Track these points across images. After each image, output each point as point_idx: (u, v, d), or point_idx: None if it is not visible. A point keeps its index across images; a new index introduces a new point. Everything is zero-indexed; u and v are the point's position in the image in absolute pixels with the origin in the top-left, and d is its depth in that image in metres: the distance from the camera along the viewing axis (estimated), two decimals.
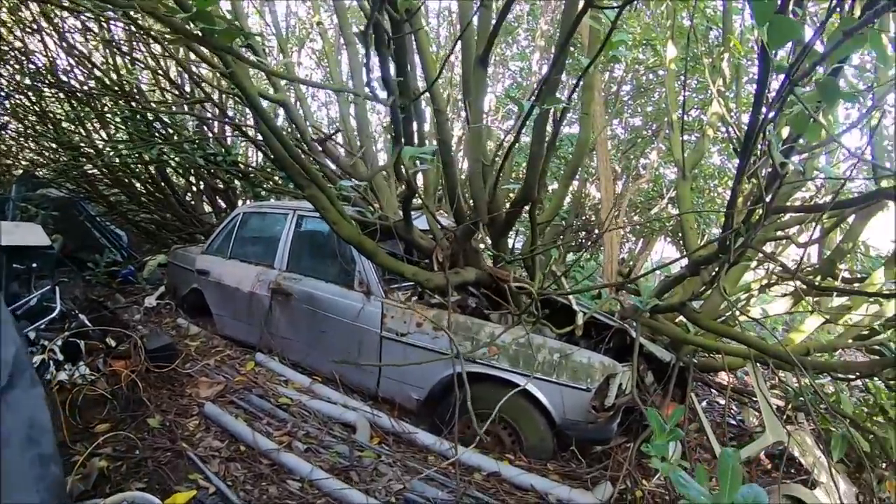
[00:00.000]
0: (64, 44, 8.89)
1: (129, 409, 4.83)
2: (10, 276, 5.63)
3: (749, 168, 3.37)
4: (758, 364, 4.66)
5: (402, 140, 3.49)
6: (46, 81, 9.05)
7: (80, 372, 4.89)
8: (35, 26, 8.78)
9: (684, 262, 4.93)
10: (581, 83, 4.45)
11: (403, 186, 4.58)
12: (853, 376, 4.75)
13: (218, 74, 8.26)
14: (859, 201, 3.78)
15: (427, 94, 4.26)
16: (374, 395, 5.36)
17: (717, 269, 4.10)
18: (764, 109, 2.80)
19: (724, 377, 6.49)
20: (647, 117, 13.01)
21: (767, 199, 3.30)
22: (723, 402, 6.71)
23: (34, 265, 5.77)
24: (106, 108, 9.41)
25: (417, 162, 3.56)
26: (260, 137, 6.44)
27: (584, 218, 12.64)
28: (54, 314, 5.05)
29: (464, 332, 4.71)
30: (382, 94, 3.42)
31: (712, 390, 6.80)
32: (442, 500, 3.90)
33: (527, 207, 4.77)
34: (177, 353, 5.79)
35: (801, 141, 3.79)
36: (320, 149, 4.71)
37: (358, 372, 5.42)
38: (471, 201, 4.84)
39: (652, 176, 12.11)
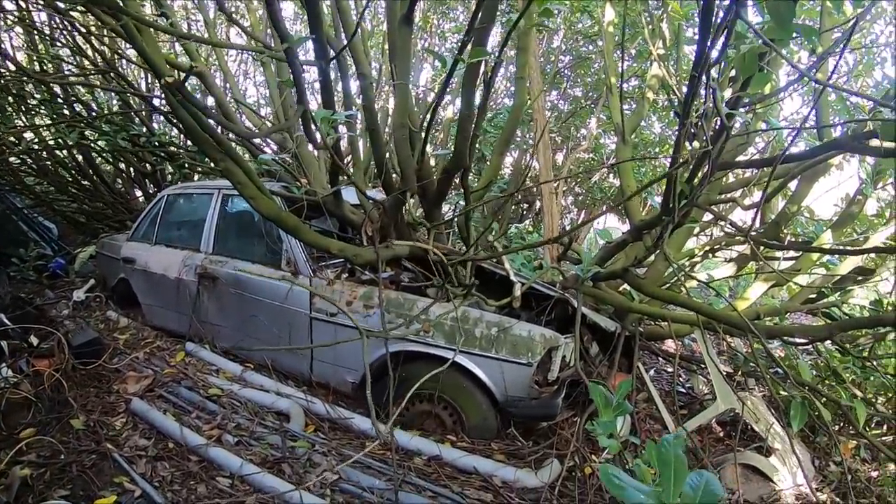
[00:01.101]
0: None
1: (54, 410, 4.60)
2: None
3: (691, 123, 3.19)
4: (705, 330, 4.53)
5: (324, 101, 3.21)
6: None
7: (1, 374, 4.67)
8: None
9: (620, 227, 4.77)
10: (512, 38, 4.25)
11: (330, 160, 4.34)
12: (804, 340, 4.65)
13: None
14: (815, 152, 3.61)
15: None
16: (308, 380, 5.14)
17: (660, 233, 3.92)
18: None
19: (670, 345, 6.41)
20: (586, 87, 12.89)
21: (713, 155, 3.12)
22: (671, 370, 6.63)
23: None
24: (24, 92, 8.94)
25: (343, 129, 3.32)
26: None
27: (524, 189, 12.50)
28: None
29: (396, 308, 4.48)
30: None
31: (659, 359, 6.74)
32: (379, 489, 3.70)
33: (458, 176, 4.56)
34: (104, 347, 5.58)
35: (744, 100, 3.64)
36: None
37: (290, 357, 5.21)
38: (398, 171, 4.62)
39: (592, 144, 11.99)
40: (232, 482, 3.78)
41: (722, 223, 5.52)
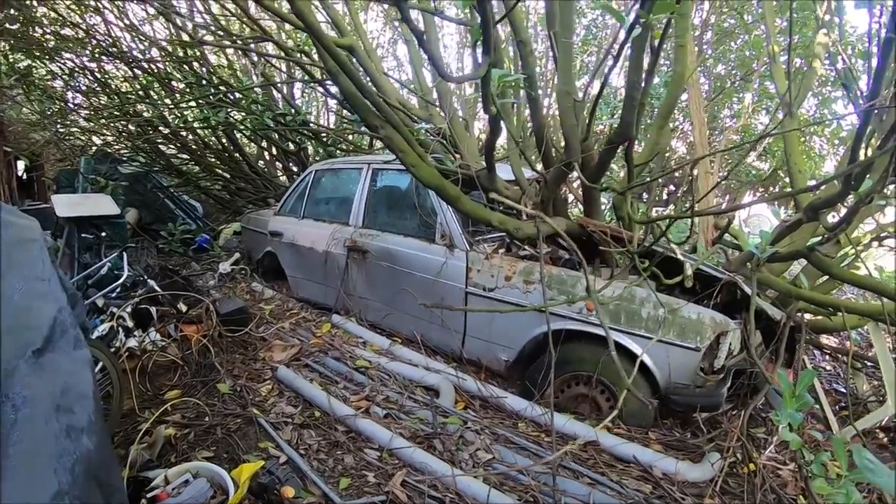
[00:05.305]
0: (123, 17, 8.86)
1: (200, 374, 4.77)
2: (80, 246, 5.61)
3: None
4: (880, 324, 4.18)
5: (493, 55, 3.02)
6: (109, 53, 8.97)
7: (150, 338, 4.92)
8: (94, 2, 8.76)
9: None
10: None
11: (487, 128, 4.19)
12: None
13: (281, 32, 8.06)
14: None
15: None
16: (459, 356, 5.05)
17: (852, 209, 3.59)
18: None
19: (825, 340, 6.03)
20: (730, 65, 12.25)
21: None
22: (828, 367, 6.24)
23: (104, 234, 5.75)
24: (171, 77, 9.29)
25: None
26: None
27: (668, 172, 12.02)
28: (121, 280, 5.00)
29: (558, 285, 4.29)
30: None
31: (815, 353, 6.31)
32: (535, 472, 3.54)
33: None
34: (250, 316, 5.72)
35: None
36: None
37: (441, 332, 5.13)
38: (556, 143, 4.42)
39: (746, 121, 11.34)
40: (380, 455, 3.73)
41: None
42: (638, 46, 3.58)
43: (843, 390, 5.72)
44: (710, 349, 3.93)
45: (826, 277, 4.98)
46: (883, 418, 4.13)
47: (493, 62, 3.10)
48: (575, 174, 4.41)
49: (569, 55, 4.03)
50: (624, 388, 4.03)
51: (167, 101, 9.67)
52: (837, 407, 4.84)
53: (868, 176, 3.40)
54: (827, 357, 6.28)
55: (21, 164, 13.08)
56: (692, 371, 3.88)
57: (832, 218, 4.16)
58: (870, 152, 3.65)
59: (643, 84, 3.76)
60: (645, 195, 7.98)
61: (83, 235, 5.76)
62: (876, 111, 4.09)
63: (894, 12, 2.65)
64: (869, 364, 5.36)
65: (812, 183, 6.24)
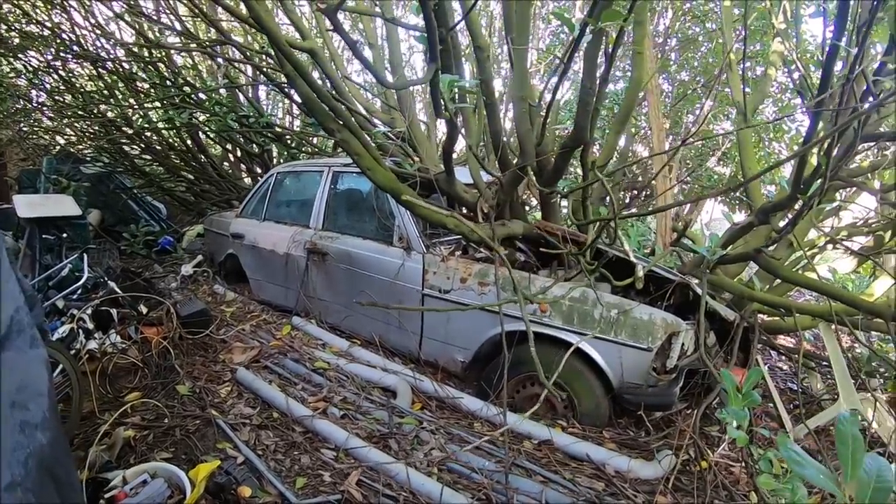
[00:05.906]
0: (90, 16, 8.79)
1: (160, 376, 4.75)
2: (42, 247, 5.57)
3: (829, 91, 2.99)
4: (831, 324, 4.27)
5: (439, 61, 3.05)
6: (73, 52, 8.90)
7: (110, 340, 4.87)
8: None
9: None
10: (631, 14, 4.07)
11: (444, 134, 4.23)
12: None
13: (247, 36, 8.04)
14: None
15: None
16: (417, 357, 5.11)
17: (798, 212, 3.68)
18: None
19: (783, 341, 6.12)
20: (693, 71, 12.38)
21: (860, 123, 2.90)
22: (784, 367, 6.35)
23: (65, 235, 5.71)
24: (135, 77, 9.23)
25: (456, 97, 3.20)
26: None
27: (630, 176, 12.10)
28: (82, 282, 4.98)
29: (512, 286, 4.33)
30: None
31: (772, 353, 6.42)
32: (489, 471, 3.59)
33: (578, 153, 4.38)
34: (211, 318, 5.69)
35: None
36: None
37: (399, 334, 5.17)
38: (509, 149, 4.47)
39: (707, 125, 11.46)
40: (336, 455, 3.76)
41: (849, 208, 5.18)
42: (590, 53, 3.63)
43: (794, 388, 5.83)
44: (663, 349, 3.99)
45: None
46: (835, 415, 4.18)
47: (442, 67, 3.13)
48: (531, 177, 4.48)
49: (524, 61, 4.08)
50: (576, 389, 4.17)
51: (131, 100, 9.63)
52: (792, 405, 4.91)
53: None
54: (783, 357, 6.38)
55: None
56: (645, 371, 3.94)
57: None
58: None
59: (597, 90, 3.82)
60: (608, 199, 8.03)
61: (45, 236, 5.72)
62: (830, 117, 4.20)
63: (839, 19, 2.72)
64: (823, 363, 5.44)
65: (766, 189, 6.35)
